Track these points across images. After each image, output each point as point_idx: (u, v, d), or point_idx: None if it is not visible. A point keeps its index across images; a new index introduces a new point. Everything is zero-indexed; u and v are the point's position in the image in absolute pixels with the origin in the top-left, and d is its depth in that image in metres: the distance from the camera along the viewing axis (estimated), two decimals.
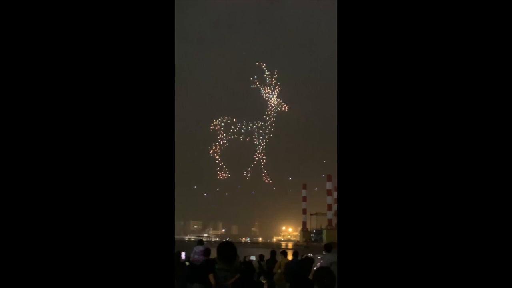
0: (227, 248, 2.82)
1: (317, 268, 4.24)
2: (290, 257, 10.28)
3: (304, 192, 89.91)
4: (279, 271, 8.97)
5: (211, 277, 2.78)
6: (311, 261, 7.80)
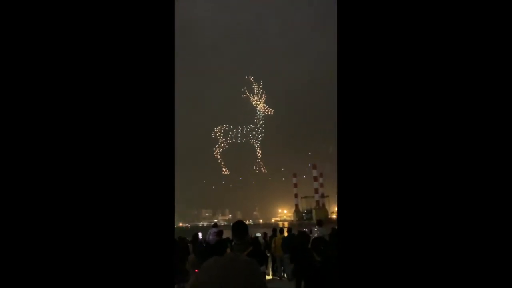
0: (240, 226, 2.85)
1: (314, 238, 4.51)
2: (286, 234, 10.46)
3: (294, 180, 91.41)
4: (273, 245, 9.49)
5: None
6: (305, 234, 8.08)
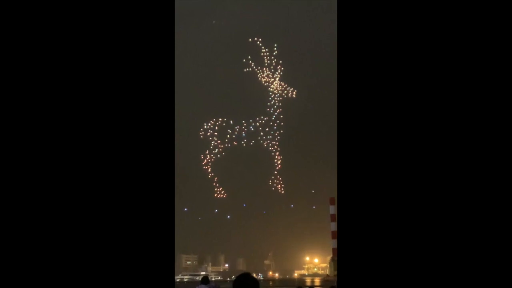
0: (247, 282, 2.87)
1: None
2: None
3: (332, 209, 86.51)
4: None
5: None
6: None
